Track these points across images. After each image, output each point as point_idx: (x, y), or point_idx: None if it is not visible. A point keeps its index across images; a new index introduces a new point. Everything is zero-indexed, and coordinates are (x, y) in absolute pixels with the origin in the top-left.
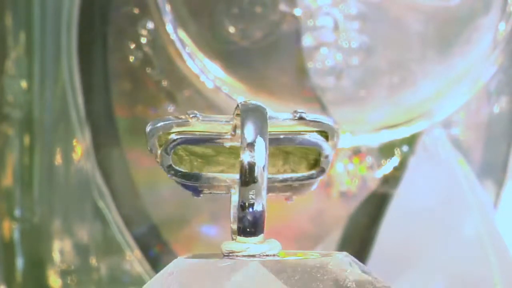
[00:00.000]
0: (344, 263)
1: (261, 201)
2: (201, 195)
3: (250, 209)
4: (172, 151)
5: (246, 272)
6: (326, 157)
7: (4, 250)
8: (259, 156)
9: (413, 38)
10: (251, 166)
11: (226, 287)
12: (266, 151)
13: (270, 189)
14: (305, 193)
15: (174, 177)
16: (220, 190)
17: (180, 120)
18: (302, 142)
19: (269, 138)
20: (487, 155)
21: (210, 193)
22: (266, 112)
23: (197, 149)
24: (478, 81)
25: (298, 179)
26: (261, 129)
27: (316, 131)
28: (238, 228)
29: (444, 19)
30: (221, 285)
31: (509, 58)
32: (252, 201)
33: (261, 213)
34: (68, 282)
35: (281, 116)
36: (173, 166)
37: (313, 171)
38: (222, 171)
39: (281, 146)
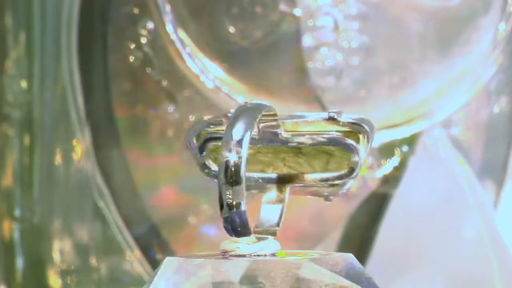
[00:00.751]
0: (324, 267)
1: (244, 201)
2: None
3: (234, 209)
4: (204, 149)
5: (205, 272)
6: (355, 157)
7: (4, 250)
8: (244, 155)
9: (413, 38)
10: (237, 165)
11: (184, 285)
12: (247, 150)
13: (303, 190)
14: (340, 193)
15: (208, 176)
16: (257, 189)
17: (217, 119)
18: (327, 142)
19: (297, 137)
20: (487, 155)
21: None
22: (258, 113)
23: None
24: (478, 81)
25: (327, 179)
26: (247, 129)
27: (348, 131)
28: (226, 228)
29: (444, 19)
30: (181, 282)
31: (509, 58)
32: (231, 201)
33: (245, 213)
34: (68, 282)
35: (312, 116)
36: (207, 164)
37: (341, 172)
38: (262, 170)
39: (319, 147)
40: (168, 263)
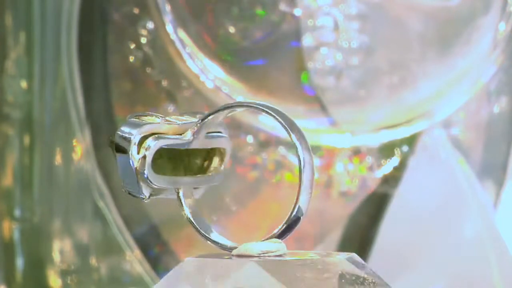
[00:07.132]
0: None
1: None
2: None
3: None
4: None
5: (244, 271)
6: None
7: (4, 250)
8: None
9: (413, 38)
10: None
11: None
12: None
13: None
14: None
15: None
16: None
17: None
18: None
19: None
20: (487, 155)
21: None
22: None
23: None
24: (478, 81)
25: None
26: None
27: None
28: None
29: (444, 19)
30: (221, 283)
31: (509, 58)
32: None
33: None
34: (68, 282)
35: None
36: None
37: None
38: None
39: None
40: (188, 264)
